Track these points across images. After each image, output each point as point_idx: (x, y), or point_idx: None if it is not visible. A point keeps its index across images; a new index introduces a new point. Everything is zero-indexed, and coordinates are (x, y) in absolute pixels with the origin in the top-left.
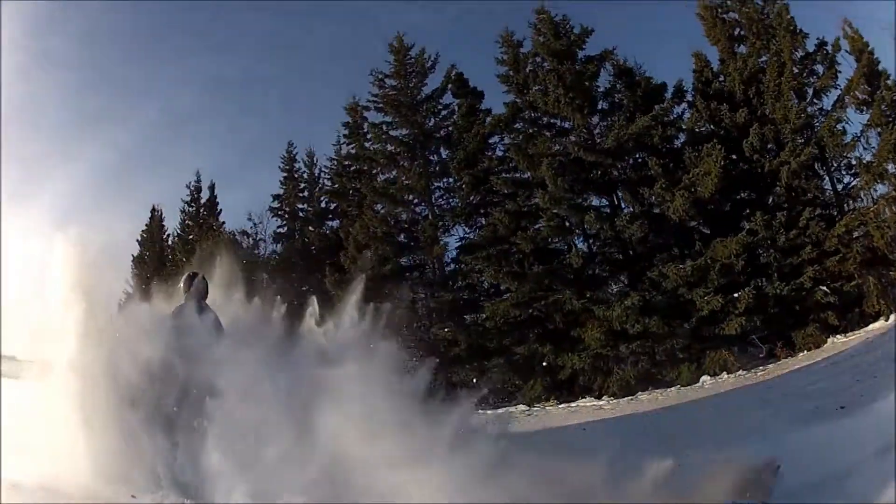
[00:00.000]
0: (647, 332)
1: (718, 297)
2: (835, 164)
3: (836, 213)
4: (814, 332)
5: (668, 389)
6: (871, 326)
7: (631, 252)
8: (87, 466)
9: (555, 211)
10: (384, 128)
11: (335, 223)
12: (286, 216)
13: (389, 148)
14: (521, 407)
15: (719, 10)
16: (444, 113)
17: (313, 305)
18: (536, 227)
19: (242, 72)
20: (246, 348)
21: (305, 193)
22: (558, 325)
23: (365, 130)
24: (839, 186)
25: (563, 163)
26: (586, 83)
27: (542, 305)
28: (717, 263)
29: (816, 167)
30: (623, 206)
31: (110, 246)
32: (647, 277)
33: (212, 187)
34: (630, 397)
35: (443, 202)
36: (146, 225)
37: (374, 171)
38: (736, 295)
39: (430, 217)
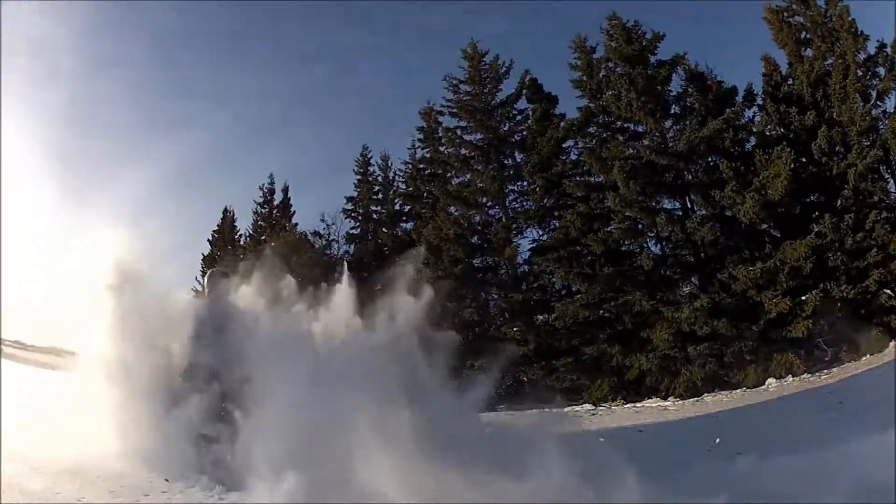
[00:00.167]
0: (715, 333)
1: (787, 299)
2: None
3: None
4: (878, 335)
5: (734, 391)
6: None
7: (702, 254)
8: (122, 453)
9: (627, 213)
10: (458, 132)
11: (408, 225)
12: (359, 218)
13: (463, 152)
14: (587, 406)
15: (785, 14)
16: (518, 118)
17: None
18: (608, 229)
19: (318, 80)
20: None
21: (379, 196)
22: (627, 326)
23: (439, 135)
24: None
25: (635, 166)
26: (658, 87)
27: (612, 306)
28: (786, 266)
29: (882, 170)
30: (695, 208)
31: (172, 245)
32: (717, 280)
33: (285, 189)
34: (695, 399)
35: (516, 205)
36: (217, 225)
37: (448, 175)
38: (804, 297)
39: (503, 219)
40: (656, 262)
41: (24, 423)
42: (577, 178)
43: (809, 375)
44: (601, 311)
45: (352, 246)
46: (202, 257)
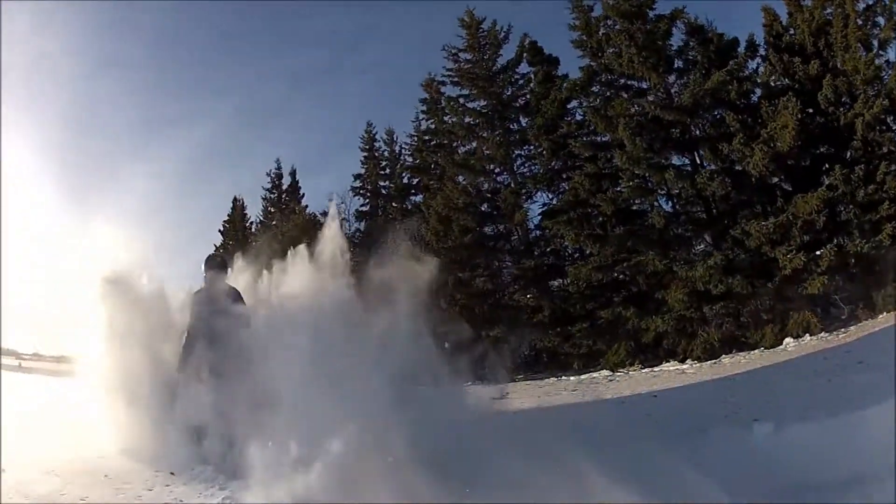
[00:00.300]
0: (730, 292)
1: (801, 254)
2: None
3: None
4: (893, 292)
5: (752, 352)
6: None
7: (714, 210)
8: (129, 452)
9: (635, 171)
10: (461, 101)
11: (418, 198)
12: (368, 195)
13: (468, 120)
14: (605, 372)
15: None
16: (520, 82)
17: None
18: (617, 189)
19: (316, 62)
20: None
21: (387, 171)
22: (642, 287)
23: (442, 105)
24: None
25: (640, 122)
26: (659, 42)
27: (625, 267)
28: (798, 220)
29: (889, 122)
30: (704, 163)
31: (186, 239)
32: (730, 236)
33: (293, 173)
34: (713, 360)
35: (524, 170)
36: (228, 215)
37: (454, 144)
38: (818, 252)
39: (511, 185)
40: (668, 220)
41: (36, 429)
42: (584, 139)
43: (827, 334)
44: (615, 274)
45: (362, 223)
46: (214, 248)
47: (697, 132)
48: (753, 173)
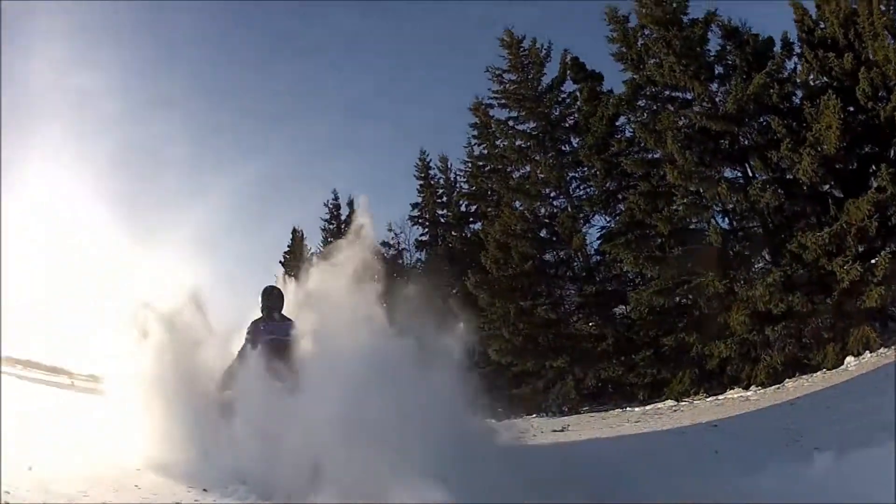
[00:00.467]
0: (791, 311)
1: (857, 264)
2: None
3: None
4: None
5: (814, 374)
6: None
7: (770, 224)
8: (164, 465)
9: (688, 188)
10: (510, 123)
11: (477, 226)
12: (427, 224)
13: (519, 143)
14: (669, 402)
15: None
16: (567, 101)
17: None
18: (673, 207)
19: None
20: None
21: (444, 199)
22: (703, 310)
23: (492, 129)
24: None
25: (688, 135)
26: (697, 49)
27: (686, 290)
28: (852, 227)
29: None
30: (755, 174)
31: (248, 270)
32: (787, 250)
33: (350, 203)
34: (777, 385)
35: (580, 192)
36: (288, 246)
37: (508, 169)
38: (873, 261)
39: (568, 209)
40: (724, 237)
41: (73, 441)
42: (635, 156)
43: (886, 350)
44: (676, 297)
45: (422, 252)
46: (275, 279)
47: (746, 141)
48: (803, 179)
